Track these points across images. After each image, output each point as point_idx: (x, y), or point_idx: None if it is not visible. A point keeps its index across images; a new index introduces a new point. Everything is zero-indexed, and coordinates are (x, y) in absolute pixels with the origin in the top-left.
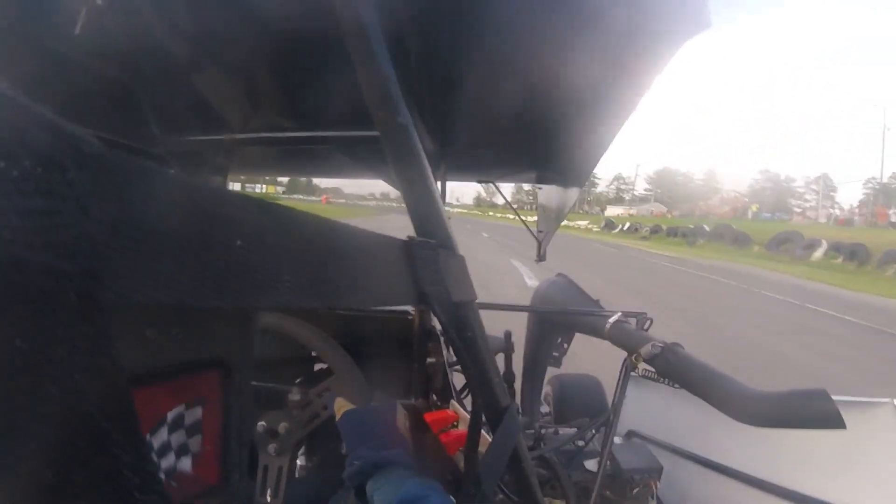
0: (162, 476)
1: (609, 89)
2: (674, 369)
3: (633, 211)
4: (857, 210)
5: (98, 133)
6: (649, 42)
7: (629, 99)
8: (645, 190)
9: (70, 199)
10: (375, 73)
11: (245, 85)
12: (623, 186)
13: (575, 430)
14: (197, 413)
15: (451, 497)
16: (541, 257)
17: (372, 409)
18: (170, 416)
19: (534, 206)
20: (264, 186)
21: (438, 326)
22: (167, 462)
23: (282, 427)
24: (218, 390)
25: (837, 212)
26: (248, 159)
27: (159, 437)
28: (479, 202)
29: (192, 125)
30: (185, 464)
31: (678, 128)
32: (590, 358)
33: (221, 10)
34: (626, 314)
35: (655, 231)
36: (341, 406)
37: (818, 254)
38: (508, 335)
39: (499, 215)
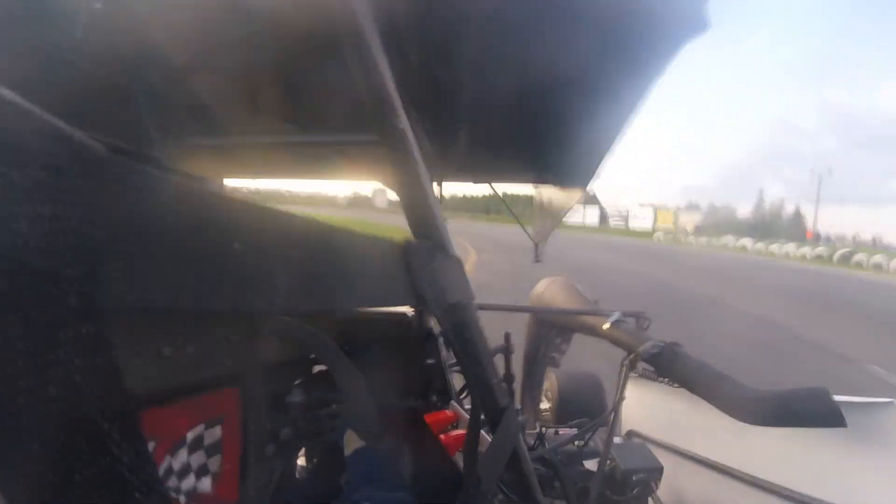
0: (171, 488)
1: (607, 92)
2: (673, 369)
3: None
4: None
5: (101, 137)
6: (648, 45)
7: (628, 102)
8: None
9: (75, 205)
10: (373, 77)
11: (244, 89)
12: None
13: (575, 430)
14: (216, 432)
15: None
16: (537, 259)
17: (381, 451)
18: (189, 435)
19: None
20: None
21: (437, 327)
22: (187, 483)
23: (283, 433)
24: (236, 408)
25: None
26: (245, 162)
27: (179, 459)
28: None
29: (191, 129)
30: (205, 484)
31: None
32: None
33: (220, 14)
34: (625, 314)
35: None
36: (351, 440)
37: None
38: (508, 336)
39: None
